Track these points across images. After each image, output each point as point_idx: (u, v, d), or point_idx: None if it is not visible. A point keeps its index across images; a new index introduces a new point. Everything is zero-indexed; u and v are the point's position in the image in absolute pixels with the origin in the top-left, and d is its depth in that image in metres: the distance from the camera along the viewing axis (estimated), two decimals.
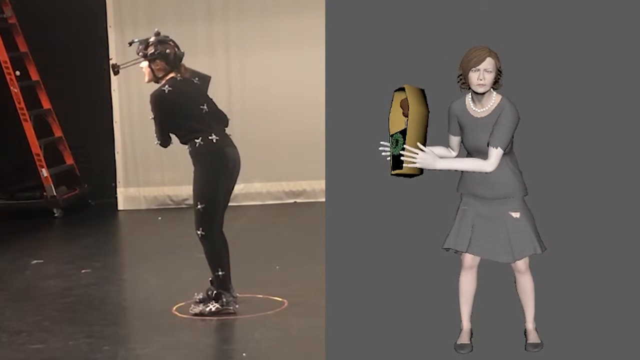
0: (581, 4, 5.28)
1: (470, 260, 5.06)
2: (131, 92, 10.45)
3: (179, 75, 6.44)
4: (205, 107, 6.44)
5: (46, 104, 10.83)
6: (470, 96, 4.95)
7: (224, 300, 6.41)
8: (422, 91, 4.92)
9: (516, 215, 4.95)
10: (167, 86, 6.35)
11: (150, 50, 6.39)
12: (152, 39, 6.42)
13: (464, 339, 5.10)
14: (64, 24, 10.88)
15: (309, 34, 10.09)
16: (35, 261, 8.37)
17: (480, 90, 4.85)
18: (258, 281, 7.15)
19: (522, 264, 5.00)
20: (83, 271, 7.90)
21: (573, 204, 5.28)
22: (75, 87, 10.91)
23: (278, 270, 7.59)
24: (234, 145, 6.45)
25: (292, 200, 10.65)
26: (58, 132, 10.88)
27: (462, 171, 4.99)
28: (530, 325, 5.08)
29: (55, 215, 10.44)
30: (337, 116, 5.41)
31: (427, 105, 4.90)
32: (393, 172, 4.94)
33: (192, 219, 6.40)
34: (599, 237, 5.23)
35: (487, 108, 4.91)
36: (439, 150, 4.97)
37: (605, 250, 5.23)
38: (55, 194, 10.43)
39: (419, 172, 4.88)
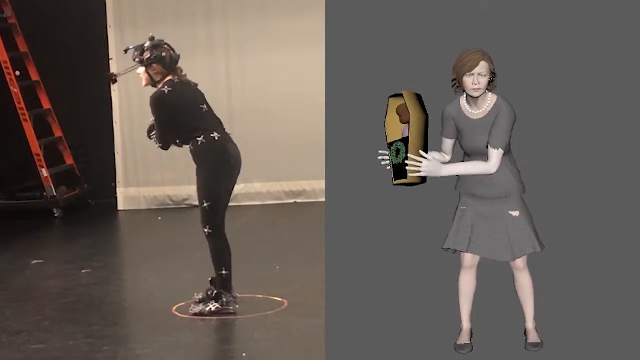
0: (581, 4, 5.28)
1: (469, 260, 5.06)
2: (131, 92, 10.45)
3: (176, 77, 6.46)
4: (204, 106, 6.46)
5: (46, 104, 10.83)
6: (465, 98, 4.95)
7: (224, 300, 6.41)
8: (419, 96, 4.90)
9: (515, 214, 4.95)
10: (166, 87, 6.37)
11: (146, 55, 6.42)
12: (147, 44, 6.45)
13: (464, 339, 5.10)
14: (64, 24, 10.89)
15: (309, 34, 10.09)
16: (35, 261, 8.37)
17: (476, 94, 4.86)
18: (258, 281, 7.15)
19: (520, 262, 5.01)
20: (83, 271, 7.90)
21: (572, 203, 5.27)
22: (75, 87, 10.91)
23: (278, 270, 7.59)
24: (235, 144, 6.47)
25: (292, 200, 10.65)
26: (58, 132, 10.88)
27: None
28: (530, 324, 5.08)
29: (55, 215, 10.44)
30: (337, 116, 5.41)
31: (425, 110, 4.88)
32: (396, 182, 4.92)
33: (193, 219, 6.41)
34: (598, 236, 5.23)
35: (483, 109, 4.91)
36: (435, 156, 4.96)
37: (605, 249, 5.23)
38: (55, 194, 10.44)
39: (422, 180, 4.87)
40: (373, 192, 5.36)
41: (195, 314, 6.43)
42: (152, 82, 6.47)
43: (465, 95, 4.93)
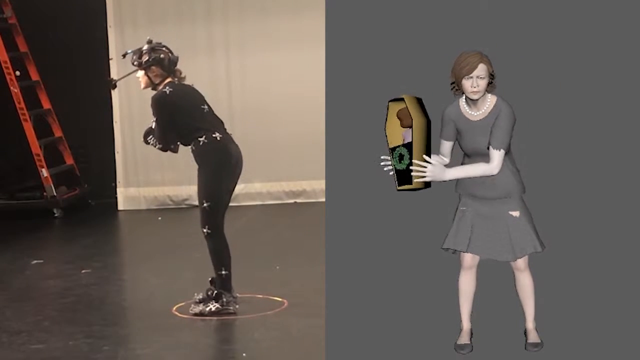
0: (580, 4, 5.28)
1: (469, 260, 5.06)
2: (131, 92, 10.44)
3: (175, 79, 6.48)
4: (205, 106, 6.47)
5: (46, 104, 10.83)
6: (464, 100, 4.95)
7: (224, 300, 6.41)
8: (420, 100, 4.89)
9: (515, 214, 4.95)
10: (167, 88, 6.38)
11: (145, 58, 6.43)
12: (145, 48, 6.47)
13: (464, 339, 5.10)
14: (64, 24, 10.89)
15: (309, 34, 10.09)
16: (35, 261, 8.37)
17: (475, 97, 4.86)
18: (258, 281, 7.15)
19: (521, 262, 5.01)
20: (83, 271, 7.91)
21: (572, 203, 5.27)
22: (75, 87, 10.92)
23: (278, 270, 7.59)
24: (236, 144, 6.47)
25: (292, 200, 10.65)
26: (58, 132, 10.88)
27: None
28: (530, 324, 5.08)
29: (55, 215, 10.44)
30: (337, 116, 5.41)
31: (427, 114, 4.87)
32: (400, 188, 4.91)
33: (193, 219, 6.41)
34: (599, 236, 5.23)
35: (482, 111, 4.91)
36: (435, 159, 4.95)
37: (605, 249, 5.22)
38: (55, 194, 10.44)
39: (426, 185, 4.86)
40: (373, 192, 5.36)
41: (195, 314, 6.43)
42: (152, 85, 6.48)
43: (464, 97, 4.93)
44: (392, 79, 5.22)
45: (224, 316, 6.39)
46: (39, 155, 10.43)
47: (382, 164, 4.99)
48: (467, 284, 5.09)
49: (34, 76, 10.79)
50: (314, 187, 10.45)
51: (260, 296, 6.80)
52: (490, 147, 4.84)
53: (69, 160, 10.95)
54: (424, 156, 4.81)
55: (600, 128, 5.28)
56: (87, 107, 10.93)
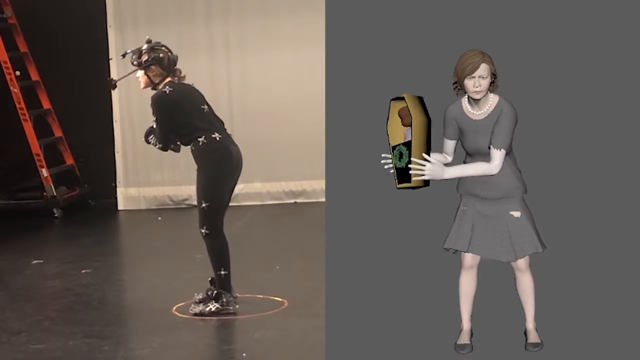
0: (581, 4, 5.28)
1: (470, 260, 5.07)
2: (131, 92, 10.45)
3: (175, 78, 6.47)
4: (205, 106, 6.46)
5: (46, 104, 10.84)
6: (466, 99, 4.95)
7: (224, 300, 6.41)
8: (421, 99, 4.89)
9: (516, 214, 4.95)
10: (167, 87, 6.38)
11: (144, 58, 6.43)
12: (144, 47, 6.46)
13: (464, 339, 5.10)
14: (64, 24, 10.89)
15: (309, 34, 10.09)
16: (35, 261, 8.37)
17: (477, 97, 4.86)
18: (258, 281, 7.15)
19: (522, 263, 5.01)
20: (83, 271, 7.91)
21: (573, 203, 5.27)
22: (75, 87, 10.92)
23: (278, 270, 7.59)
24: (236, 144, 6.47)
25: (292, 200, 10.66)
26: (58, 132, 10.89)
27: None
28: (530, 324, 5.08)
29: (55, 215, 10.45)
30: (337, 116, 5.41)
31: (427, 113, 4.88)
32: (399, 186, 4.92)
33: (193, 219, 6.41)
34: (599, 236, 5.23)
35: (485, 110, 4.90)
36: (436, 157, 4.95)
37: (605, 249, 5.23)
38: (55, 194, 10.44)
39: (426, 183, 4.87)
40: (373, 192, 5.36)
41: (195, 314, 6.43)
42: (152, 84, 6.48)
43: (466, 96, 4.93)
44: (392, 79, 5.22)
45: (224, 316, 6.39)
46: (39, 155, 10.43)
47: (382, 161, 5.00)
48: (467, 284, 5.09)
49: (34, 76, 10.79)
50: (314, 187, 10.45)
51: (260, 296, 6.80)
52: (491, 147, 4.84)
53: (69, 160, 10.96)
54: (424, 155, 4.81)
55: (601, 128, 5.28)
56: (87, 107, 10.94)
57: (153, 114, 6.41)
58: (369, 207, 5.41)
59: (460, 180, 5.04)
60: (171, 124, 6.38)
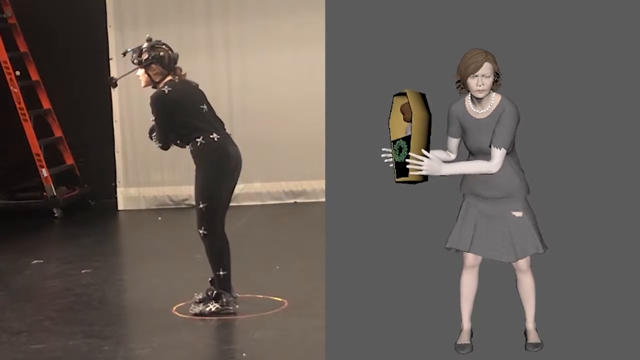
0: (581, 4, 5.28)
1: (472, 259, 5.06)
2: (131, 92, 10.45)
3: (176, 77, 6.46)
4: (204, 106, 6.46)
5: (46, 104, 10.84)
6: (469, 98, 4.95)
7: (224, 300, 6.41)
8: (423, 95, 4.91)
9: (518, 214, 4.95)
10: (166, 87, 6.37)
11: (145, 56, 6.42)
12: (144, 46, 6.45)
13: (464, 339, 5.10)
14: (64, 23, 10.89)
15: (309, 34, 10.09)
16: (35, 261, 8.37)
17: (480, 95, 4.86)
18: (258, 281, 7.15)
19: (523, 263, 5.01)
20: (83, 271, 7.91)
21: (574, 204, 5.27)
22: (75, 87, 10.92)
23: (278, 270, 7.59)
24: (235, 144, 6.46)
25: (292, 200, 10.65)
26: (58, 132, 10.89)
27: None
28: (530, 325, 5.08)
29: (55, 215, 10.45)
30: (337, 116, 5.41)
31: (428, 109, 4.89)
32: (398, 180, 4.93)
33: (193, 219, 6.40)
34: (600, 237, 5.23)
35: (487, 109, 4.91)
36: (439, 154, 4.96)
37: (606, 250, 5.22)
38: (55, 194, 10.44)
39: (424, 178, 4.87)
40: (373, 192, 5.36)
41: (195, 314, 6.43)
42: (152, 83, 6.46)
43: (469, 95, 4.93)
44: (392, 79, 5.21)
45: (224, 316, 6.38)
46: (39, 155, 10.43)
47: (382, 155, 5.00)
48: (468, 284, 5.09)
49: (34, 76, 10.79)
50: (314, 187, 10.45)
51: (260, 296, 6.80)
52: (492, 145, 4.84)
53: (69, 160, 10.96)
54: (422, 150, 4.82)
55: (603, 129, 5.28)
56: (87, 107, 10.94)
57: (152, 113, 6.40)
58: (369, 207, 5.41)
59: (463, 179, 5.04)
60: (171, 124, 6.37)
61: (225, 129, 6.48)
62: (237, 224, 8.76)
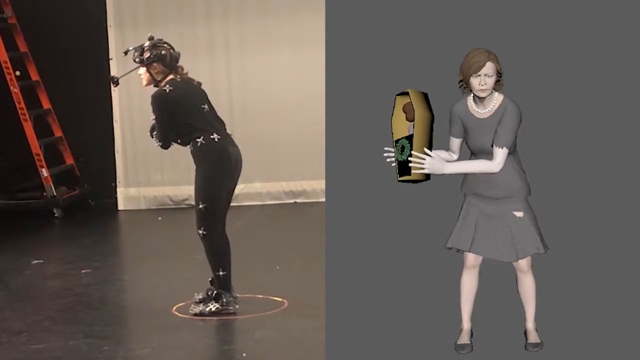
0: (581, 4, 5.28)
1: (472, 259, 5.06)
2: (131, 92, 10.45)
3: (178, 76, 6.45)
4: (206, 106, 6.45)
5: (46, 104, 10.84)
6: (472, 97, 4.95)
7: (224, 300, 6.41)
8: (426, 95, 4.91)
9: (519, 214, 4.95)
10: (168, 86, 6.36)
11: (146, 55, 6.41)
12: (146, 44, 6.44)
13: (464, 339, 5.10)
14: (64, 24, 10.89)
15: (309, 34, 10.09)
16: (35, 261, 8.37)
17: (483, 95, 4.86)
18: (258, 281, 7.15)
19: (524, 264, 5.01)
20: (83, 271, 7.90)
21: (574, 204, 5.27)
22: (75, 87, 10.92)
23: (278, 270, 7.59)
24: (236, 145, 6.46)
25: (292, 200, 10.65)
26: (58, 132, 10.89)
27: None
28: (530, 325, 5.08)
29: (55, 215, 10.44)
30: (337, 116, 5.41)
31: (431, 109, 4.90)
32: (400, 179, 4.93)
33: (193, 219, 6.40)
34: (600, 237, 5.23)
35: (489, 109, 4.91)
36: (441, 154, 4.96)
37: (606, 250, 5.22)
38: (55, 194, 10.44)
39: (426, 177, 4.88)
40: (373, 192, 5.36)
41: (195, 314, 6.43)
42: (154, 82, 6.45)
43: (472, 95, 4.93)
44: (392, 78, 5.21)
45: (224, 316, 6.38)
46: (39, 155, 10.43)
47: (385, 154, 5.00)
48: (469, 284, 5.09)
49: (34, 76, 10.79)
50: (314, 187, 10.45)
51: (260, 296, 6.80)
52: (494, 145, 4.84)
53: (69, 160, 10.96)
54: (424, 149, 4.82)
55: (604, 129, 5.27)
56: (87, 107, 10.94)
57: (153, 112, 6.40)
58: (369, 207, 5.41)
59: (464, 179, 5.04)
60: (171, 123, 6.37)
61: (226, 130, 6.48)
62: (237, 224, 8.76)
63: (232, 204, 6.61)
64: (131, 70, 6.64)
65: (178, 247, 8.59)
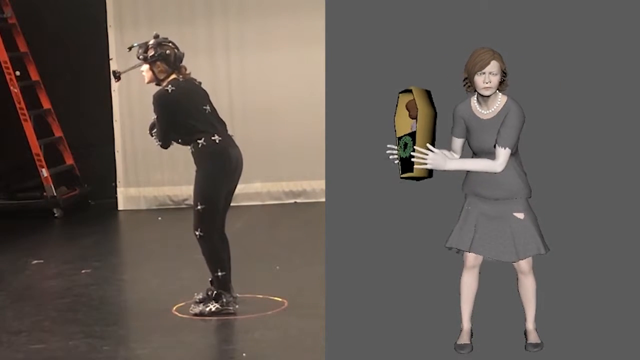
0: (581, 4, 5.28)
1: (472, 259, 5.06)
2: (131, 92, 10.45)
3: (180, 76, 6.45)
4: (207, 107, 6.44)
5: (46, 104, 10.83)
6: (475, 98, 4.96)
7: (224, 300, 6.41)
8: (429, 92, 4.92)
9: (520, 216, 4.95)
10: (170, 86, 6.36)
11: (150, 52, 6.40)
12: (151, 42, 6.43)
13: (464, 339, 5.10)
14: (64, 23, 10.89)
15: (309, 34, 10.09)
16: (35, 261, 8.37)
17: (487, 93, 4.86)
18: (258, 281, 7.15)
19: (525, 265, 5.01)
20: (83, 271, 7.90)
21: (575, 205, 5.27)
22: (75, 87, 10.91)
23: (278, 270, 7.59)
24: (237, 146, 6.45)
25: (292, 201, 10.65)
26: (58, 132, 10.88)
27: (467, 171, 5.00)
28: (530, 325, 5.08)
29: (55, 215, 10.44)
30: (337, 116, 5.41)
31: (434, 106, 4.90)
32: (403, 175, 4.94)
33: (192, 219, 6.39)
34: (600, 238, 5.23)
35: (493, 109, 4.91)
36: (444, 153, 4.95)
37: (606, 251, 5.22)
38: (55, 194, 10.43)
39: (429, 174, 4.88)
40: (373, 192, 5.36)
41: (195, 314, 6.43)
42: (156, 80, 6.44)
43: (475, 95, 4.94)
44: (392, 79, 5.21)
45: (224, 316, 6.38)
46: (39, 155, 10.43)
47: (387, 152, 5.00)
48: (469, 284, 5.09)
49: (34, 76, 10.79)
50: (314, 187, 10.45)
51: (260, 296, 6.80)
52: (497, 145, 4.85)
53: (69, 160, 10.95)
54: (427, 145, 4.83)
55: (605, 130, 5.28)
56: (87, 107, 10.93)
57: (154, 111, 6.39)
58: (369, 207, 5.41)
59: (465, 180, 5.04)
60: (172, 124, 6.36)
61: (227, 131, 6.47)
62: (237, 224, 8.76)
63: (232, 204, 6.61)
64: (134, 67, 6.60)
65: (178, 247, 8.59)
